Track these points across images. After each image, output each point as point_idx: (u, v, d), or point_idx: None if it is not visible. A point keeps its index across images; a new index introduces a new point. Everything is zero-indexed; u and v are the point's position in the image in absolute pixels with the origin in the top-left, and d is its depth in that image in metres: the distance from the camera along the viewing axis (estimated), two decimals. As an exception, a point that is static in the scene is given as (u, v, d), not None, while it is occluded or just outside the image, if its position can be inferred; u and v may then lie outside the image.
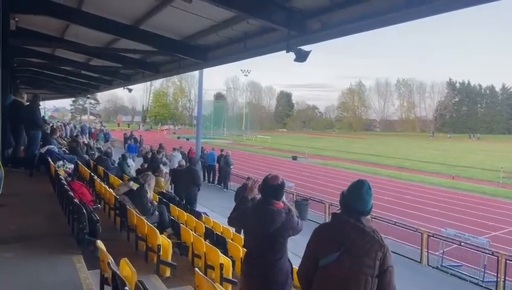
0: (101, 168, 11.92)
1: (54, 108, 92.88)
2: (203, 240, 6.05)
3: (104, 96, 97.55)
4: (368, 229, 2.69)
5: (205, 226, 7.65)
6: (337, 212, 2.88)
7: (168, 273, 5.36)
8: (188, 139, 50.23)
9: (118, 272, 3.20)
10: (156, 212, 7.42)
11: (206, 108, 63.73)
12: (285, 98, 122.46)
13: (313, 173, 29.12)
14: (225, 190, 20.61)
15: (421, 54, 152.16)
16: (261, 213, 3.42)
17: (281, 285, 3.37)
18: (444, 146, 62.42)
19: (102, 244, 3.87)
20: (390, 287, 2.69)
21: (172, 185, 14.16)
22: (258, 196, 3.63)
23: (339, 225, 2.75)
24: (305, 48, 7.11)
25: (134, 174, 12.71)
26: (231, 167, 21.49)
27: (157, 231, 5.59)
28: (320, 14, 6.56)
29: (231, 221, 3.78)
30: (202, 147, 24.07)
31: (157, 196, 9.66)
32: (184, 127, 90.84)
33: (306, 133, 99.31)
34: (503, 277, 9.76)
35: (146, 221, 6.03)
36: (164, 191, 12.01)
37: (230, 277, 5.18)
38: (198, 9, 7.77)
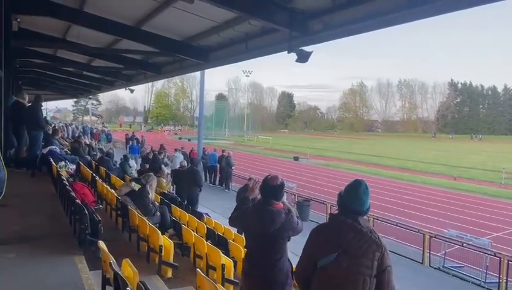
0: (102, 169, 11.94)
1: (56, 109, 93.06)
2: (204, 240, 6.04)
3: (106, 97, 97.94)
4: (365, 229, 2.69)
5: (207, 227, 7.64)
6: (335, 213, 2.88)
7: (169, 274, 5.36)
8: (189, 140, 50.24)
9: (119, 273, 3.20)
10: (158, 213, 7.43)
11: (207, 109, 63.87)
12: (286, 99, 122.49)
13: (314, 173, 29.10)
14: (227, 190, 20.61)
15: (422, 54, 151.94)
16: (261, 214, 3.42)
17: (281, 285, 3.38)
18: (446, 147, 62.31)
19: (104, 245, 3.87)
20: (389, 287, 2.69)
21: (174, 186, 14.18)
22: (259, 196, 3.64)
23: (336, 226, 2.75)
24: (307, 48, 7.11)
25: (136, 175, 12.73)
26: (233, 167, 21.49)
27: (159, 232, 5.59)
28: (322, 15, 6.56)
29: (232, 221, 3.79)
30: (204, 148, 24.08)
31: (158, 197, 9.66)
32: (184, 127, 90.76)
33: (307, 133, 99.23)
34: (505, 278, 9.73)
35: (148, 222, 6.03)
36: (166, 191, 12.02)
37: (232, 278, 5.17)
38: (200, 10, 7.78)
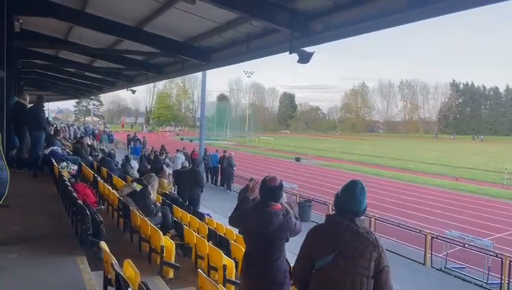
0: (104, 170, 11.95)
1: (58, 109, 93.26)
2: (206, 241, 6.04)
3: (108, 98, 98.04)
4: (362, 230, 2.68)
5: (208, 228, 7.64)
6: (331, 213, 2.88)
7: (171, 274, 5.36)
8: (191, 140, 50.24)
9: (121, 273, 3.21)
10: (159, 214, 7.44)
11: (209, 109, 63.94)
12: (288, 100, 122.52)
13: (316, 174, 29.08)
14: (228, 191, 20.60)
15: (424, 55, 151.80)
16: (259, 214, 3.44)
17: (279, 284, 3.41)
18: (448, 147, 62.22)
19: (106, 246, 3.88)
20: (386, 287, 2.68)
21: (176, 187, 14.18)
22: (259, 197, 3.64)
23: (333, 227, 2.74)
24: (308, 49, 7.11)
25: (137, 176, 12.74)
26: (234, 168, 21.49)
27: (161, 232, 5.59)
28: (323, 16, 6.56)
29: (231, 220, 3.81)
30: (205, 149, 24.09)
31: (160, 197, 9.67)
32: (184, 128, 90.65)
33: (309, 134, 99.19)
34: (507, 279, 9.71)
35: (149, 222, 6.03)
36: (167, 192, 12.03)
37: (234, 278, 5.17)
38: (201, 11, 7.80)
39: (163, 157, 17.73)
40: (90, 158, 13.58)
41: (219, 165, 22.12)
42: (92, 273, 4.24)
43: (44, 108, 11.06)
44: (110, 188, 8.79)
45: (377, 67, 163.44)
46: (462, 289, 10.23)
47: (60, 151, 10.74)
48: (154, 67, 14.59)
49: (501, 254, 10.14)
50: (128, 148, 31.61)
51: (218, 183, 22.16)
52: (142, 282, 3.04)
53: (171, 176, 14.29)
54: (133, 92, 20.73)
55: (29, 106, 10.13)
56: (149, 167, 15.87)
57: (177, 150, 21.27)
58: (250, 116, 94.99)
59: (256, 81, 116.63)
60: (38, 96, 10.41)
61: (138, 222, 6.29)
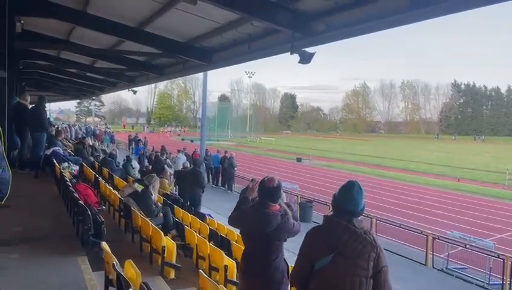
0: (105, 170, 11.96)
1: (59, 110, 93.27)
2: (207, 241, 6.04)
3: (109, 98, 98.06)
4: (360, 230, 2.69)
5: (209, 228, 7.65)
6: (329, 214, 2.88)
7: (172, 275, 5.37)
8: (192, 141, 50.27)
9: (122, 274, 3.21)
10: (161, 214, 7.44)
11: (210, 110, 63.92)
12: (289, 100, 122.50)
13: (317, 174, 29.08)
14: (229, 191, 20.61)
15: (425, 55, 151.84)
16: (258, 215, 3.46)
17: (277, 284, 3.43)
18: (449, 148, 62.15)
19: (107, 246, 3.88)
20: (385, 287, 2.68)
21: (177, 187, 14.18)
22: None
23: (331, 227, 2.75)
24: (310, 49, 7.10)
25: (138, 176, 12.75)
26: (235, 168, 21.49)
27: (162, 233, 5.60)
28: (324, 16, 6.56)
29: (231, 220, 3.83)
30: (206, 149, 24.11)
31: (161, 198, 9.68)
32: (184, 128, 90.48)
33: (310, 134, 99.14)
34: (508, 279, 9.69)
35: (150, 222, 6.03)
36: (168, 192, 12.04)
37: (235, 279, 5.17)
38: (203, 11, 7.79)
39: (164, 158, 17.75)
40: (92, 159, 13.59)
41: (220, 166, 22.14)
42: (93, 273, 4.24)
43: (45, 108, 11.07)
44: (112, 188, 8.80)
45: (378, 68, 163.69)
46: (464, 289, 10.22)
47: (61, 151, 10.74)
48: (156, 67, 14.60)
49: (503, 254, 10.13)
50: (129, 149, 31.65)
51: (220, 184, 22.17)
52: (143, 282, 3.04)
53: (172, 177, 14.30)
54: (135, 92, 20.74)
55: (30, 106, 10.14)
56: (150, 167, 15.89)
57: (179, 151, 21.29)
58: (251, 116, 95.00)
59: (257, 82, 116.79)
60: (39, 97, 10.43)
61: (139, 222, 6.29)
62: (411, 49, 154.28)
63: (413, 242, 12.36)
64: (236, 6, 6.76)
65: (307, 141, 68.39)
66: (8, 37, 8.35)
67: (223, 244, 6.62)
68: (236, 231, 7.88)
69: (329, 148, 54.01)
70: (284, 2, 6.70)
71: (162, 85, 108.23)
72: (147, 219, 6.30)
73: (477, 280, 10.32)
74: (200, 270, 4.08)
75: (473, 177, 29.65)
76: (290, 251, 3.57)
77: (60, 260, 4.63)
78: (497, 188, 25.37)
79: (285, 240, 3.53)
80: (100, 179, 9.79)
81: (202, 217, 9.53)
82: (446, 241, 11.42)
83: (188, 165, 14.23)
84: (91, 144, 17.06)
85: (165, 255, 5.33)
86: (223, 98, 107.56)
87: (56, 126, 23.01)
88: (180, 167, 15.37)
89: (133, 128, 78.60)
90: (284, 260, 3.51)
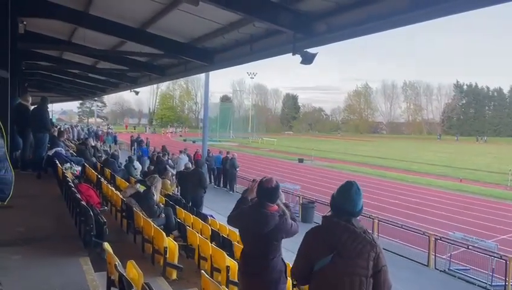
0: (107, 171, 11.98)
1: (62, 111, 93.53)
2: (209, 242, 6.05)
3: (111, 99, 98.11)
4: (359, 230, 2.70)
5: (211, 229, 7.65)
6: (328, 214, 2.89)
7: (174, 275, 5.37)
8: (194, 141, 50.30)
9: (124, 274, 3.21)
10: (163, 215, 7.44)
11: (212, 110, 63.94)
12: (291, 101, 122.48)
13: (319, 175, 29.06)
14: (231, 192, 20.62)
15: (427, 56, 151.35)
16: (256, 216, 3.50)
17: (274, 283, 3.47)
18: (451, 149, 62.01)
19: (109, 247, 3.88)
20: (385, 286, 2.70)
21: (179, 188, 14.19)
22: None
23: (330, 228, 2.76)
24: (311, 50, 7.10)
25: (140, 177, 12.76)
26: (237, 169, 21.50)
27: (164, 233, 5.60)
28: (326, 16, 6.55)
29: (230, 220, 3.85)
30: (208, 150, 24.12)
31: (163, 198, 9.68)
32: (184, 129, 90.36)
33: (312, 135, 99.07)
34: (511, 280, 9.67)
35: (152, 223, 6.04)
36: (170, 193, 12.04)
37: (237, 280, 5.17)
38: (205, 12, 7.80)
39: (166, 158, 17.76)
40: (94, 159, 13.61)
41: (222, 167, 22.15)
42: (95, 274, 4.25)
43: (48, 109, 11.09)
44: (114, 189, 8.81)
45: (380, 69, 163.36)
46: (466, 290, 10.20)
47: (63, 152, 10.77)
48: (158, 68, 14.61)
49: (505, 255, 10.10)
50: (131, 150, 31.65)
51: (221, 185, 22.18)
52: (145, 283, 3.05)
53: (174, 177, 14.31)
54: (137, 93, 20.76)
55: (32, 107, 10.17)
56: (152, 168, 15.90)
57: (180, 151, 21.32)
58: (253, 117, 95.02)
59: (259, 83, 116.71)
60: (42, 98, 10.45)
61: (141, 223, 6.30)
62: (413, 50, 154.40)
63: (415, 243, 12.34)
64: (238, 7, 6.76)
65: (308, 141, 68.34)
66: (11, 38, 8.37)
67: (225, 245, 6.62)
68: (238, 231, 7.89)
69: (331, 149, 53.96)
70: (285, 3, 6.70)
71: (164, 86, 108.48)
72: (149, 220, 6.30)
73: (479, 281, 10.29)
74: (202, 271, 4.09)
75: (475, 178, 29.57)
76: (290, 251, 3.58)
77: (62, 261, 4.64)
78: (500, 188, 25.30)
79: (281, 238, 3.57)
80: (102, 179, 9.81)
81: (204, 217, 9.53)
82: (448, 242, 11.39)
83: (190, 166, 14.23)
84: (93, 144, 17.09)
85: (167, 255, 5.33)
86: (225, 99, 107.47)
87: (58, 127, 23.04)
88: (182, 168, 15.38)
89: (134, 129, 78.66)
90: (282, 259, 3.55)
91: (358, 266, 2.63)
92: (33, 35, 11.40)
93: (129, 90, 20.61)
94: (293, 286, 4.91)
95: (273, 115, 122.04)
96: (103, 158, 15.07)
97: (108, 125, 67.83)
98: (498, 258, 10.17)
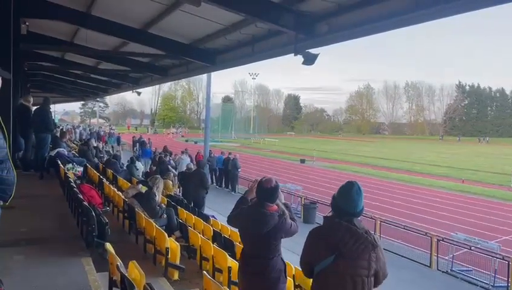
0: (110, 171, 11.99)
1: (64, 111, 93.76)
2: (211, 243, 6.05)
3: (113, 100, 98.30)
4: (361, 230, 2.71)
5: (213, 229, 7.65)
6: (329, 215, 2.90)
7: (176, 276, 5.37)
8: (196, 142, 50.31)
9: (126, 275, 3.21)
10: (164, 215, 7.44)
11: (214, 111, 63.85)
12: (293, 101, 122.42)
13: (320, 176, 29.05)
14: (233, 193, 20.61)
15: (429, 56, 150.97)
16: (255, 215, 3.50)
17: (274, 282, 3.47)
18: (453, 149, 61.90)
19: (111, 247, 3.88)
20: (384, 277, 2.74)
21: (180, 188, 14.19)
22: None
23: (332, 228, 2.77)
24: (313, 50, 7.11)
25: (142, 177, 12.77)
26: (239, 170, 21.50)
27: (166, 234, 5.60)
28: (328, 17, 6.56)
29: (230, 220, 3.87)
30: (210, 150, 24.13)
31: (165, 199, 9.68)
32: (184, 129, 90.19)
33: (314, 136, 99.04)
34: (514, 281, 9.65)
35: (154, 224, 6.04)
36: (172, 193, 12.05)
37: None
38: (207, 13, 7.81)
39: (168, 159, 17.76)
40: (96, 160, 13.63)
41: (224, 167, 22.15)
42: (97, 274, 4.25)
43: (51, 110, 11.12)
44: (116, 189, 8.81)
45: (382, 69, 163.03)
46: (468, 292, 10.18)
47: (66, 153, 10.79)
48: (160, 69, 14.64)
49: (508, 256, 10.07)
50: (133, 150, 31.64)
51: (223, 185, 22.19)
52: (147, 283, 3.05)
53: (176, 178, 14.31)
54: (139, 94, 20.83)
55: (35, 108, 10.19)
56: (154, 168, 15.91)
57: (182, 152, 21.34)
58: (255, 118, 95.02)
59: (261, 83, 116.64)
60: (44, 98, 10.47)
61: (143, 223, 6.30)
62: (415, 50, 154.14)
63: (417, 244, 12.31)
64: (240, 7, 6.78)
65: (310, 142, 68.31)
66: (13, 38, 8.40)
67: (227, 245, 6.61)
68: (240, 232, 7.88)
69: (333, 149, 53.94)
70: (287, 4, 6.71)
71: (166, 86, 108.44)
72: (151, 220, 6.30)
73: (482, 282, 10.26)
74: (204, 272, 4.09)
75: (478, 178, 29.50)
76: (290, 251, 3.59)
77: (64, 261, 4.64)
78: (502, 189, 25.23)
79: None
80: (104, 180, 9.82)
81: (206, 218, 9.53)
82: (451, 243, 11.37)
83: (192, 167, 14.24)
84: (95, 145, 17.11)
85: (169, 256, 5.33)
86: (227, 100, 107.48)
87: (61, 127, 23.09)
88: (184, 168, 15.38)
89: (136, 130, 78.68)
90: (282, 259, 3.56)
91: (360, 267, 2.65)
92: (35, 36, 11.44)
93: (131, 91, 20.67)
94: (294, 286, 4.91)
95: (275, 115, 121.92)
96: (105, 159, 15.10)
97: (110, 125, 67.85)
98: (500, 259, 10.15)
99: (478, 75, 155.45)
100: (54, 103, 35.60)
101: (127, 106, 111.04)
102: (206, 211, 12.07)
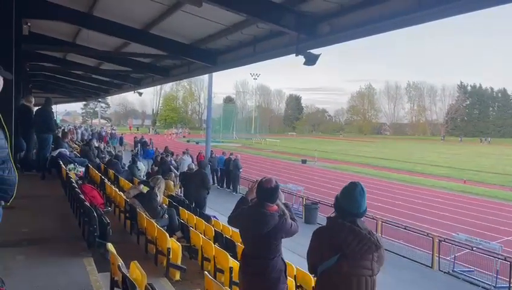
0: (111, 172, 12.00)
1: (66, 112, 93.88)
2: (212, 243, 6.05)
3: (115, 100, 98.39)
4: (364, 231, 2.72)
5: (214, 230, 7.65)
6: (332, 215, 2.89)
7: (177, 276, 5.37)
8: (197, 142, 50.33)
9: (127, 275, 3.22)
10: (166, 216, 7.45)
11: (215, 111, 63.93)
12: (294, 102, 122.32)
13: (322, 176, 29.03)
14: (234, 193, 20.61)
15: (431, 57, 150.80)
16: (255, 216, 3.50)
17: (274, 282, 3.47)
18: (455, 150, 61.81)
19: (113, 247, 3.89)
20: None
21: (182, 188, 14.20)
22: None
23: (335, 229, 2.78)
24: (315, 51, 7.09)
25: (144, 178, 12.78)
26: (240, 170, 21.50)
27: (167, 234, 5.60)
28: (329, 18, 6.55)
29: (230, 220, 3.87)
30: (211, 151, 24.14)
31: (166, 199, 9.69)
32: (185, 130, 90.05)
33: (315, 136, 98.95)
34: (516, 282, 9.62)
35: (156, 224, 6.05)
36: (174, 194, 12.06)
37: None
38: (208, 14, 7.81)
39: (169, 159, 17.77)
40: (98, 160, 13.65)
41: (225, 167, 22.15)
42: (98, 274, 4.26)
43: (52, 110, 11.14)
44: (117, 190, 8.82)
45: (383, 69, 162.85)
46: (470, 292, 10.16)
47: (67, 153, 10.80)
48: (161, 69, 14.65)
49: (509, 257, 10.06)
50: (134, 150, 31.65)
51: (225, 185, 22.19)
52: (148, 284, 3.05)
53: (177, 178, 14.32)
54: (140, 94, 20.83)
55: (36, 108, 10.20)
56: (156, 168, 15.93)
57: (183, 152, 21.35)
58: (256, 118, 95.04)
59: (262, 84, 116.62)
60: (46, 99, 10.49)
61: (145, 223, 6.31)
62: (416, 51, 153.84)
63: (419, 244, 12.30)
64: (240, 8, 6.77)
65: (312, 142, 68.27)
66: (15, 39, 8.40)
67: (228, 245, 6.61)
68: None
69: (334, 150, 53.89)
70: (289, 4, 6.71)
71: (167, 87, 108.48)
72: (152, 221, 6.31)
73: (483, 282, 10.24)
74: (205, 272, 4.09)
75: (479, 179, 29.45)
76: (290, 251, 3.59)
77: (65, 261, 4.65)
78: (504, 190, 25.17)
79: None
80: (106, 180, 9.83)
81: (207, 218, 9.54)
82: (452, 244, 11.35)
83: (193, 167, 14.25)
84: (97, 145, 17.14)
85: (170, 256, 5.33)
86: (228, 100, 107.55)
87: (62, 128, 23.14)
88: (185, 169, 15.40)
89: (137, 130, 78.71)
90: (282, 259, 3.55)
91: (363, 267, 2.67)
92: (37, 36, 11.45)
93: (133, 92, 20.67)
94: (296, 286, 4.91)
95: (276, 116, 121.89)
96: (107, 159, 15.11)
97: (112, 126, 67.81)
98: (502, 259, 10.13)
99: (480, 76, 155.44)
100: (56, 103, 35.65)
101: (128, 107, 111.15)
102: (208, 211, 12.08)
